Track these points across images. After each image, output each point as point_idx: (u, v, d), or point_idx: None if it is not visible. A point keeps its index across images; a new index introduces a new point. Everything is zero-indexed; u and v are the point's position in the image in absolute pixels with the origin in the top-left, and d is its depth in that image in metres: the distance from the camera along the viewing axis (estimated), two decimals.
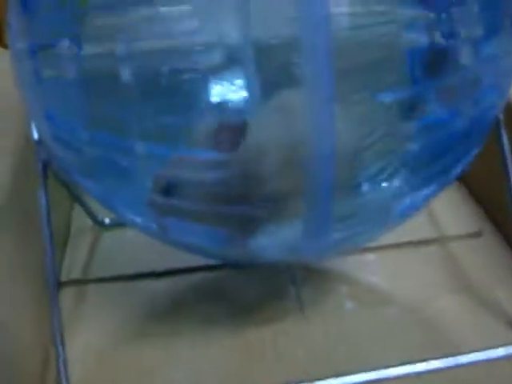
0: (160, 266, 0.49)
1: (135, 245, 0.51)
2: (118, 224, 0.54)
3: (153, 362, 0.42)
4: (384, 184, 0.34)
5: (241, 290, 0.48)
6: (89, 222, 0.54)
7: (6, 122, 0.45)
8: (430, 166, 0.36)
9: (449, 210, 0.54)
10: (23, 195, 0.42)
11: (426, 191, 0.37)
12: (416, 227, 0.51)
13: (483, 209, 0.54)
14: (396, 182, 0.34)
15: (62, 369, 0.39)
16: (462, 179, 0.56)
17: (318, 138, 0.30)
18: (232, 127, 0.32)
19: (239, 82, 0.31)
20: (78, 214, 0.54)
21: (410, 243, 0.50)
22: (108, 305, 0.47)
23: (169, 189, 0.34)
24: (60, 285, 0.48)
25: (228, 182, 0.33)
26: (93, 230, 0.54)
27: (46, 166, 0.39)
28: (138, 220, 0.39)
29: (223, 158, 0.33)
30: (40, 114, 0.36)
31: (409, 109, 0.34)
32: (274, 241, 0.36)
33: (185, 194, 0.34)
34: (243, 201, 0.33)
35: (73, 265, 0.50)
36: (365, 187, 0.34)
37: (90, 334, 0.44)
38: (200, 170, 0.33)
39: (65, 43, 0.32)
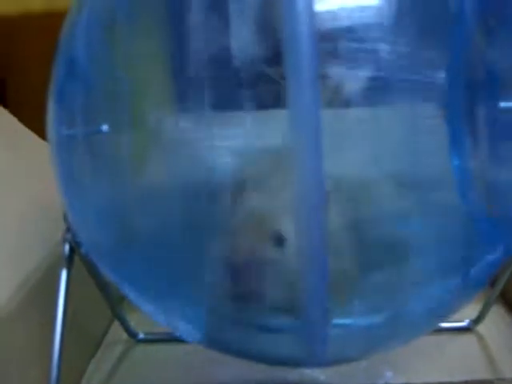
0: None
1: (164, 361, 0.50)
2: (151, 340, 0.52)
3: None
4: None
5: None
6: (125, 335, 0.52)
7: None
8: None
9: (507, 351, 0.48)
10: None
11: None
12: (469, 367, 0.46)
13: None
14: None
15: None
16: None
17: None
18: None
19: None
20: (118, 326, 0.53)
21: (461, 383, 0.44)
22: None
23: None
24: None
25: None
26: (126, 343, 0.52)
27: (72, 249, 0.40)
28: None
29: None
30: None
31: None
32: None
33: None
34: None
35: (96, 372, 0.48)
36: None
37: None
38: None
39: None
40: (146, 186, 0.33)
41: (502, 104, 0.32)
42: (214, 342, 0.34)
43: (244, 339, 0.33)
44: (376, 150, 0.30)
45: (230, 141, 0.30)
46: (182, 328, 0.35)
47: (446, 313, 0.34)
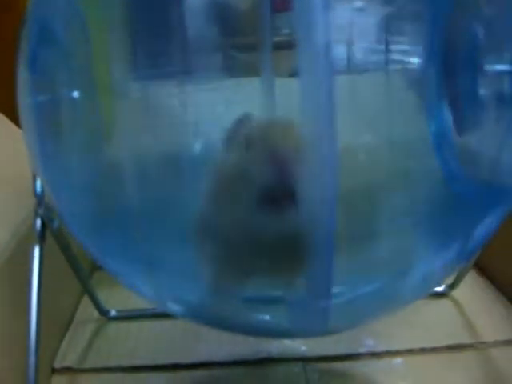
0: (162, 361, 0.45)
1: (138, 338, 0.48)
2: (123, 317, 0.50)
3: None
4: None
5: None
6: (95, 312, 0.50)
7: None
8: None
9: (486, 316, 0.48)
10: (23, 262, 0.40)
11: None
12: (450, 332, 0.47)
13: None
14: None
15: None
16: (502, 288, 0.52)
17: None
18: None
19: None
20: (87, 302, 0.51)
21: (443, 348, 0.45)
22: None
23: None
24: (52, 371, 0.45)
25: None
26: (97, 321, 0.50)
27: (44, 224, 0.37)
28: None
29: None
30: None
31: None
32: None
33: None
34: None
35: (69, 352, 0.46)
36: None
37: None
38: None
39: None
40: (123, 154, 0.31)
41: (486, 67, 0.32)
42: (203, 314, 0.33)
43: (238, 311, 0.31)
44: (355, 117, 0.29)
45: (206, 106, 0.29)
46: (170, 300, 0.33)
47: (438, 282, 0.34)
